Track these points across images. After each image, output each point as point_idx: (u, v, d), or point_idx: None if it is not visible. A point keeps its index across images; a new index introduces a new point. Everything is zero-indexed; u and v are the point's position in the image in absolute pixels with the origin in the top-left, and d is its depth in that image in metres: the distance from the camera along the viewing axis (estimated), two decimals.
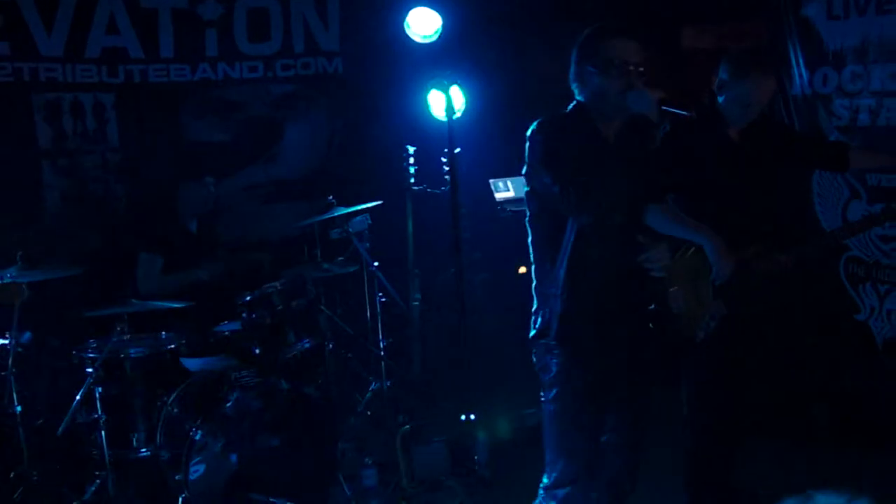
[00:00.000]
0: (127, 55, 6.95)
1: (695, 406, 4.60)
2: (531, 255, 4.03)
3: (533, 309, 4.03)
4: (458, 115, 6.58)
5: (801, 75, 6.22)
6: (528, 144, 3.85)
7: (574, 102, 3.94)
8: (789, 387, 6.00)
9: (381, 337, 6.50)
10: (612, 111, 3.82)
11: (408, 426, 5.53)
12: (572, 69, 3.90)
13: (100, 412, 5.03)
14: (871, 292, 6.03)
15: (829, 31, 6.02)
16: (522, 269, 6.52)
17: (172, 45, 7.07)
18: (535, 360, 4.04)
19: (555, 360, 3.92)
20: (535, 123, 3.85)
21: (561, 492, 3.97)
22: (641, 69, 3.75)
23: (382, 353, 6.46)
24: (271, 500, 4.96)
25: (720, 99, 4.46)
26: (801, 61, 6.20)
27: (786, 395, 5.98)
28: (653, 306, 4.47)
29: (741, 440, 4.70)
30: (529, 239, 4.03)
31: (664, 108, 3.68)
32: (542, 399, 4.01)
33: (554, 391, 3.94)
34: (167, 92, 7.13)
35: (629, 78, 3.72)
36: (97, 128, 6.94)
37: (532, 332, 4.01)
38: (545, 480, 4.05)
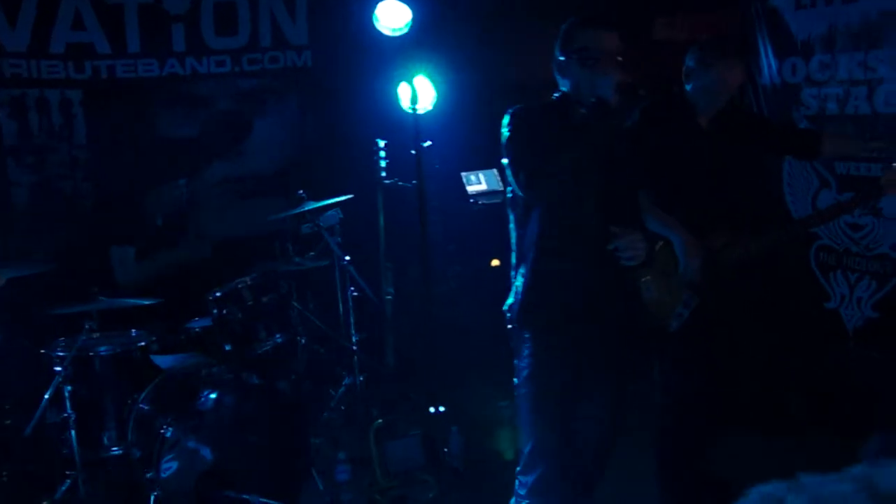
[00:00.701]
0: (94, 50, 6.90)
1: (668, 395, 4.62)
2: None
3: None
4: (428, 108, 6.57)
5: (769, 65, 6.25)
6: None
7: (558, 93, 3.97)
8: (761, 376, 6.02)
9: (353, 331, 6.47)
10: (589, 99, 3.82)
11: (381, 420, 5.51)
12: (554, 61, 3.94)
13: (69, 411, 4.97)
14: (841, 280, 6.06)
15: (797, 20, 6.05)
16: (496, 262, 6.54)
17: (139, 40, 7.02)
18: (511, 344, 4.04)
19: (525, 345, 3.93)
20: (508, 112, 3.89)
21: (531, 478, 3.94)
22: (619, 58, 3.78)
23: (355, 348, 6.43)
24: (244, 496, 4.92)
25: (688, 87, 4.48)
26: (769, 51, 6.23)
27: (758, 384, 6.00)
28: None
29: (714, 430, 4.72)
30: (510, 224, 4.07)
31: (622, 92, 3.69)
32: (515, 383, 4.01)
33: (524, 374, 3.95)
34: (135, 87, 7.08)
35: (605, 67, 3.75)
36: (64, 124, 6.89)
37: (507, 316, 4.04)
38: (518, 466, 4.03)
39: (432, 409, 5.47)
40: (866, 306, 5.91)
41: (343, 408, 6.40)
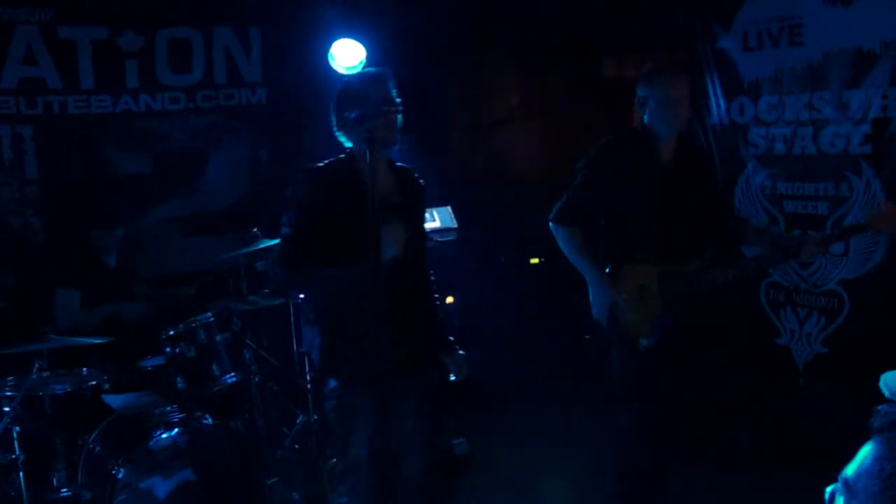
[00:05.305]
0: (45, 86, 6.83)
1: (626, 421, 4.65)
2: None
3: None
4: None
5: (718, 105, 6.35)
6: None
7: (344, 154, 4.23)
8: (714, 411, 6.06)
9: (307, 369, 6.44)
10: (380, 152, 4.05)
11: (335, 459, 5.47)
12: (334, 119, 4.17)
13: (18, 452, 4.88)
14: (791, 317, 6.14)
15: (745, 62, 6.16)
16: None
17: (92, 76, 6.96)
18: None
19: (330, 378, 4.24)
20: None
21: (347, 480, 4.30)
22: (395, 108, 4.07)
23: (309, 386, 6.40)
24: None
25: (645, 118, 4.53)
26: (718, 91, 6.34)
27: (710, 420, 6.05)
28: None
29: (671, 459, 4.75)
30: None
31: None
32: (326, 406, 4.31)
33: (332, 402, 4.23)
34: (87, 123, 7.01)
35: (389, 117, 4.03)
36: (14, 159, 6.80)
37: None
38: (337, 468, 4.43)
39: None
40: (816, 342, 5.99)
41: (297, 446, 6.36)
